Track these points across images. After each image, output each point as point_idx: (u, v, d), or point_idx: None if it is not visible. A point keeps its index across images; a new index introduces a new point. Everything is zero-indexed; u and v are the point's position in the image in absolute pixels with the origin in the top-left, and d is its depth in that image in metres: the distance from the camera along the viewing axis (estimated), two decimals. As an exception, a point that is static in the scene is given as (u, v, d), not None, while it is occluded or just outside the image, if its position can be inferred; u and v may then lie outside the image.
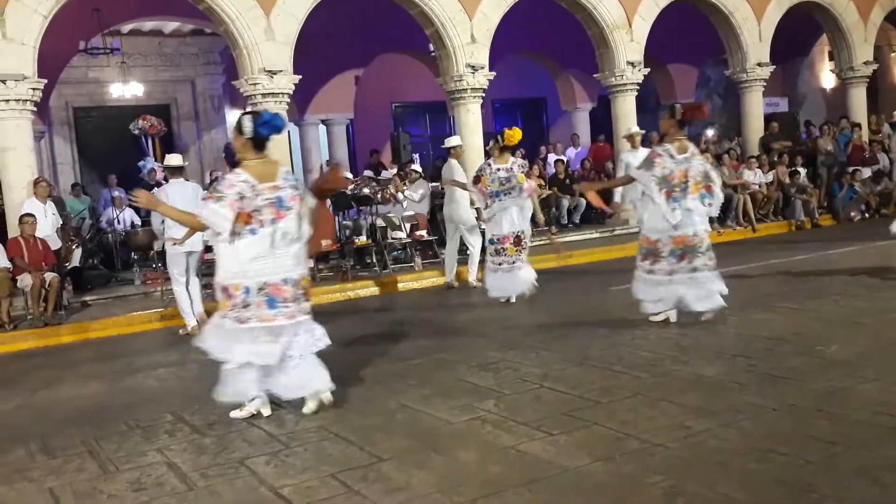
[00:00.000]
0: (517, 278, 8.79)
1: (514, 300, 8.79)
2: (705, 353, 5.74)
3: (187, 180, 9.01)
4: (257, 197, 4.77)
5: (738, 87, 16.25)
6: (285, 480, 3.94)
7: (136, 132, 14.44)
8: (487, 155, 10.78)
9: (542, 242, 10.80)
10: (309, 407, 5.01)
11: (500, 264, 8.79)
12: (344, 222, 12.93)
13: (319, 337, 5.04)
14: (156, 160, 13.31)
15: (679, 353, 5.81)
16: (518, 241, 8.79)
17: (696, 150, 6.88)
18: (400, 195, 12.37)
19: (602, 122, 17.63)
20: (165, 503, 3.80)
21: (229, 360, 4.88)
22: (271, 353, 4.85)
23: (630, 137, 13.07)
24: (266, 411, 5.03)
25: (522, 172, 8.84)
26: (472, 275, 10.15)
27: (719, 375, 5.12)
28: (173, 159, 8.83)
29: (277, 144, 11.61)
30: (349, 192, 14.00)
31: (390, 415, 4.91)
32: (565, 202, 14.79)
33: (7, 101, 9.98)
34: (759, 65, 15.72)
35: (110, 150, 15.83)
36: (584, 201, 14.96)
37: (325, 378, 5.02)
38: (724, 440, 3.95)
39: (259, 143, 4.88)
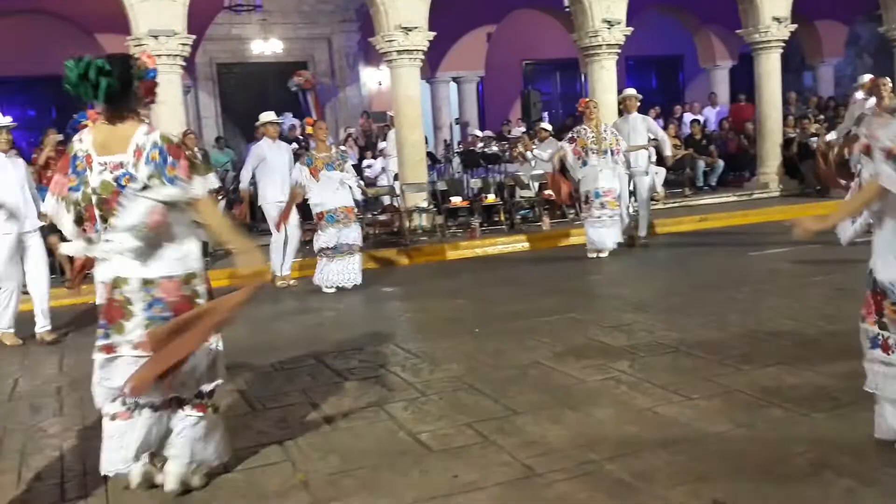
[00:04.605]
0: (615, 232, 9.27)
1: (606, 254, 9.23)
2: (854, 321, 5.48)
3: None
4: None
5: (891, 45, 15.19)
6: (423, 426, 4.05)
7: (294, 89, 14.54)
8: (620, 113, 10.63)
9: (677, 204, 10.50)
10: None
11: (599, 217, 9.19)
12: (472, 180, 13.00)
13: None
14: (314, 117, 13.15)
15: (825, 322, 5.57)
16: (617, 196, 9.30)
17: None
18: (528, 154, 12.30)
19: (742, 80, 16.88)
20: (310, 440, 3.98)
21: None
22: None
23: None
24: None
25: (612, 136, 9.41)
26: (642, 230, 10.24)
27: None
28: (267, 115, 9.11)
29: (410, 102, 11.84)
30: (478, 151, 14.06)
31: (523, 370, 4.95)
32: (701, 164, 14.31)
33: (159, 55, 10.40)
34: (917, 21, 14.63)
35: (251, 106, 16.37)
36: (721, 162, 14.49)
37: None
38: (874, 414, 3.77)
39: None
